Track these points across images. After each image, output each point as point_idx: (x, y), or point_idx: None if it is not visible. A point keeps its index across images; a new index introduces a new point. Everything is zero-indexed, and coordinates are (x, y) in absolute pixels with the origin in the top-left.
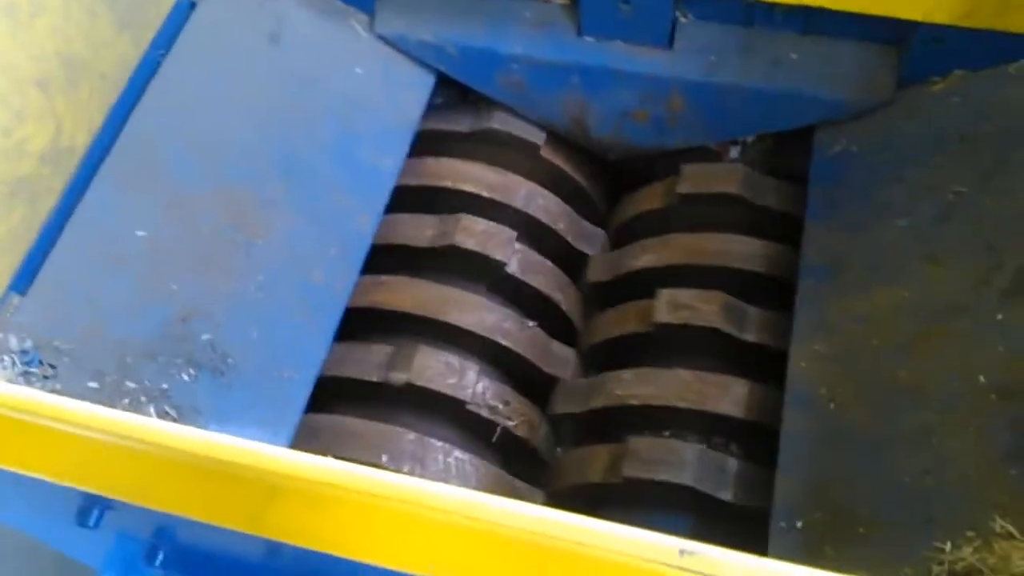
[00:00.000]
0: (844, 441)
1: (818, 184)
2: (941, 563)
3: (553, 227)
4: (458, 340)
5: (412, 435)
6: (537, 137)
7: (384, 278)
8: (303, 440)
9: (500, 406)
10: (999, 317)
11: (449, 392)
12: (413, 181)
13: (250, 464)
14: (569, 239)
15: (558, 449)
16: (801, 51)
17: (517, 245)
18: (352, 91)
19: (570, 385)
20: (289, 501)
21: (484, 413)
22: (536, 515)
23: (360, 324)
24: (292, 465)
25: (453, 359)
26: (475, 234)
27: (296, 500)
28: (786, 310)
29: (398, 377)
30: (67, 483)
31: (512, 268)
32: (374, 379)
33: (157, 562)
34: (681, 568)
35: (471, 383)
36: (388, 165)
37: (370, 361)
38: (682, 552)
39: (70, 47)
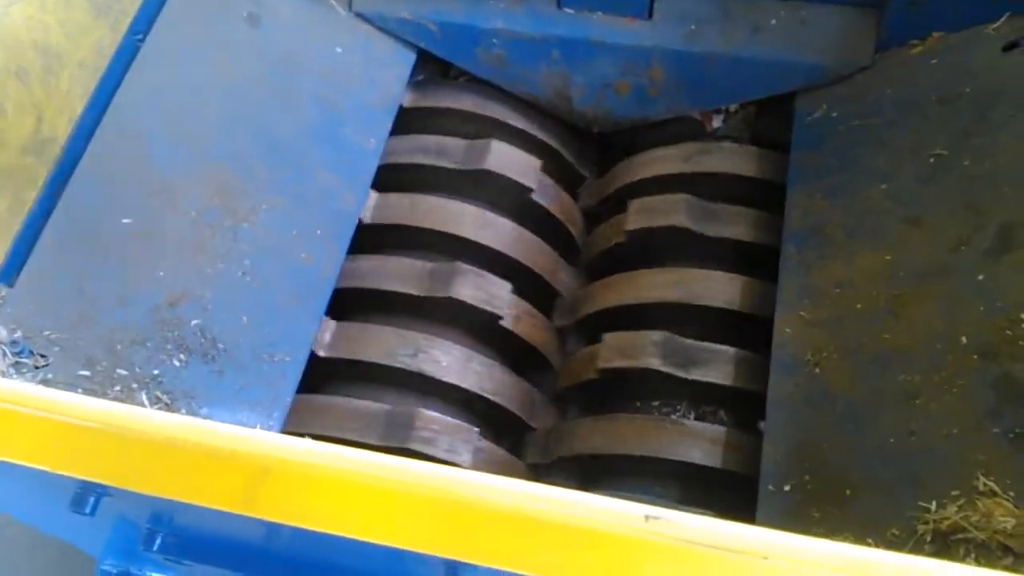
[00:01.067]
0: (830, 405)
1: (799, 150)
2: (927, 523)
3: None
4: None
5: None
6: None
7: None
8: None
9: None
10: (980, 278)
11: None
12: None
13: (240, 448)
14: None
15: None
16: (780, 17)
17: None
18: (333, 70)
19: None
20: (280, 482)
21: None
22: (509, 487)
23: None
24: (281, 448)
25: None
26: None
27: (288, 481)
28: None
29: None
30: (62, 471)
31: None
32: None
33: (155, 547)
34: (647, 532)
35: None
36: (371, 144)
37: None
38: (647, 517)
39: (47, 36)
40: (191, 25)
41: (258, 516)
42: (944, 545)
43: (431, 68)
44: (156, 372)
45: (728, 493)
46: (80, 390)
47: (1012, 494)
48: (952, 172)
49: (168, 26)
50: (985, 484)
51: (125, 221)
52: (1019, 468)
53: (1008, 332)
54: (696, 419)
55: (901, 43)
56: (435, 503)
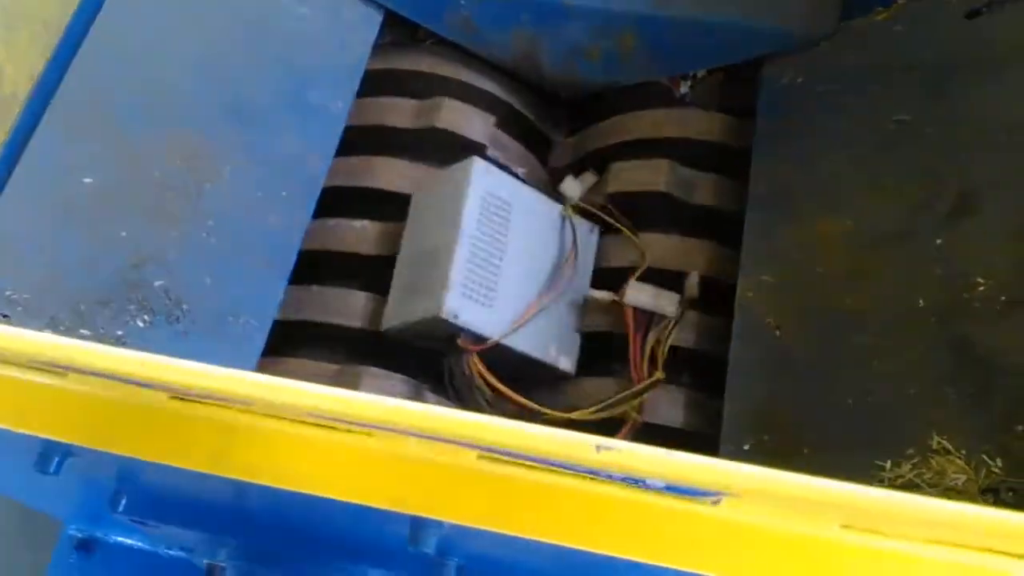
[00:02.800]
0: (790, 367)
1: (765, 117)
2: (881, 480)
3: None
4: None
5: None
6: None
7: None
8: None
9: None
10: (938, 242)
11: None
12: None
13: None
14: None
15: None
16: None
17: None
18: (299, 31)
19: None
20: (251, 438)
21: None
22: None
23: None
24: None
25: None
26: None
27: (258, 437)
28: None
29: None
30: (24, 431)
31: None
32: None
33: (120, 508)
34: (599, 462)
35: None
36: (338, 107)
37: None
38: (599, 448)
39: None
40: None
41: (228, 475)
42: None
43: (398, 30)
44: (120, 333)
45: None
46: None
47: (964, 452)
48: (913, 139)
49: None
50: (939, 443)
51: (87, 181)
52: (973, 427)
53: (965, 295)
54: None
55: (866, 10)
56: (399, 460)
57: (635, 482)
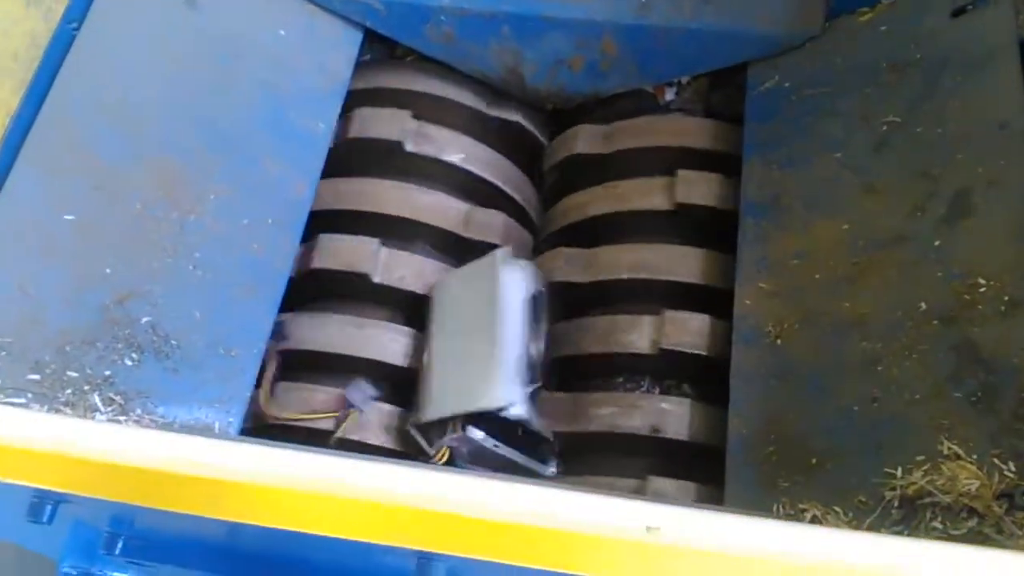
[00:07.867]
0: (792, 375)
1: (753, 121)
2: (894, 488)
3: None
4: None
5: None
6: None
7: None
8: None
9: None
10: (936, 244)
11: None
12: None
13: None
14: None
15: None
16: None
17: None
18: (277, 53)
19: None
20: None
21: None
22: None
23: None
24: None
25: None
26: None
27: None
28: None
29: None
30: (17, 481)
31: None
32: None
33: (117, 550)
34: (648, 544)
35: None
36: (320, 128)
37: None
38: (648, 529)
39: None
40: (127, 11)
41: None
42: (911, 510)
43: (377, 48)
44: (108, 372)
45: (699, 464)
46: (30, 394)
47: (975, 456)
48: (905, 139)
49: (103, 13)
50: (949, 448)
51: (68, 218)
52: (981, 431)
53: (966, 297)
54: (661, 393)
55: (851, 11)
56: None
57: None
